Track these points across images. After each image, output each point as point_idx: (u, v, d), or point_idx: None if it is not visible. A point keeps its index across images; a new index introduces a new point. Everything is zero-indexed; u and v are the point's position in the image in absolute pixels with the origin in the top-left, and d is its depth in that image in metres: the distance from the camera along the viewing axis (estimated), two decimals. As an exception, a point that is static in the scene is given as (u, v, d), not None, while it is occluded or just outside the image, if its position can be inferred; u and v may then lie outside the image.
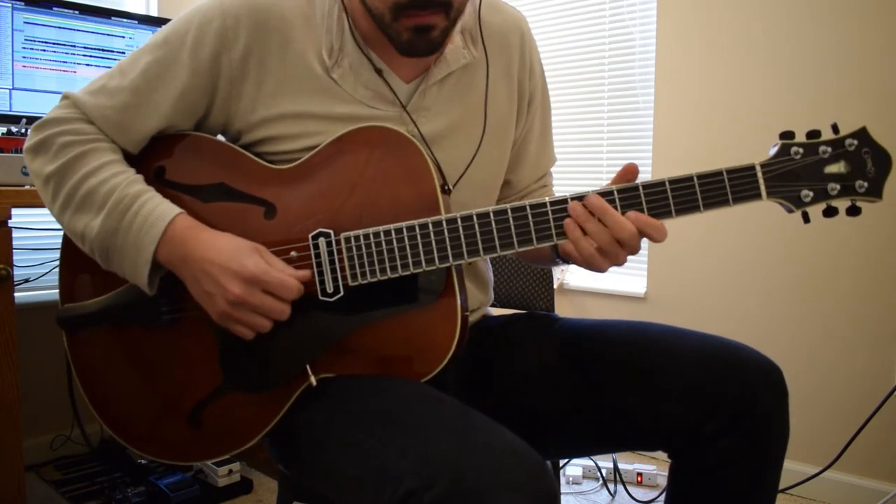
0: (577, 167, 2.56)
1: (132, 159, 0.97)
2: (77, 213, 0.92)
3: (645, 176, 0.87)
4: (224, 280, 0.86)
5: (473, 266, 1.12)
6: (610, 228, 0.86)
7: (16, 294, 1.38)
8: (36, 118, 0.96)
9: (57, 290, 1.01)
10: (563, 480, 2.15)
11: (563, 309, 2.54)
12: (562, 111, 2.55)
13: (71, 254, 1.00)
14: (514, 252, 1.17)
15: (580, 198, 0.88)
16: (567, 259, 0.95)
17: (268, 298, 0.86)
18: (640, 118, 2.39)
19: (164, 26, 0.98)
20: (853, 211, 0.87)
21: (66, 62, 1.87)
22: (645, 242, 0.89)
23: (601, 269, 0.89)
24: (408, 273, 0.89)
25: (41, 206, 0.97)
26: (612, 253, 0.87)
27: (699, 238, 2.22)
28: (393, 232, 0.89)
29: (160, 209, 0.90)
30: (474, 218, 0.88)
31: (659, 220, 0.87)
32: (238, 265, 0.86)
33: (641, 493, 2.05)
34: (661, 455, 1.00)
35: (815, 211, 0.88)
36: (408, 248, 0.89)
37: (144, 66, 0.95)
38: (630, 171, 0.88)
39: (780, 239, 2.07)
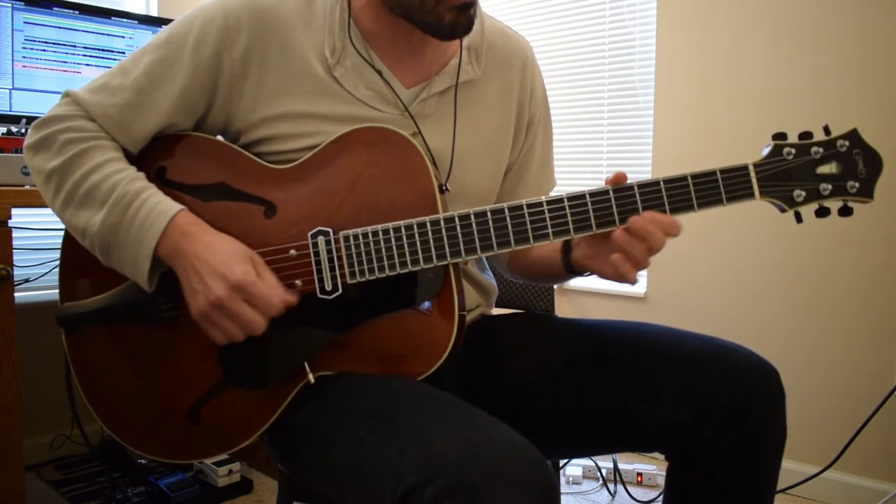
0: (577, 167, 2.56)
1: (133, 159, 0.97)
2: (79, 209, 0.92)
3: (645, 176, 0.88)
4: (210, 280, 0.86)
5: (470, 272, 1.12)
6: (649, 243, 0.86)
7: (16, 294, 1.38)
8: (36, 118, 0.96)
9: (57, 290, 1.01)
10: (563, 480, 2.14)
11: (563, 309, 2.54)
12: (562, 111, 2.55)
13: (71, 253, 1.00)
14: (525, 273, 1.17)
15: (578, 197, 0.88)
16: (583, 272, 0.97)
17: (247, 309, 0.86)
18: (640, 118, 2.39)
19: (165, 27, 0.98)
20: (845, 211, 0.88)
21: (66, 62, 1.87)
22: None
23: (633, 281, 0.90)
24: (406, 271, 0.89)
25: (41, 206, 0.97)
26: (644, 264, 0.88)
27: (699, 239, 2.22)
28: (391, 230, 0.89)
29: (162, 205, 0.90)
30: (472, 217, 0.89)
31: (674, 217, 0.87)
32: (227, 268, 0.86)
33: (641, 493, 2.06)
34: (661, 455, 1.00)
35: (808, 211, 0.88)
36: (406, 246, 0.89)
37: (147, 66, 0.95)
38: (620, 180, 0.88)
39: (779, 239, 2.07)
